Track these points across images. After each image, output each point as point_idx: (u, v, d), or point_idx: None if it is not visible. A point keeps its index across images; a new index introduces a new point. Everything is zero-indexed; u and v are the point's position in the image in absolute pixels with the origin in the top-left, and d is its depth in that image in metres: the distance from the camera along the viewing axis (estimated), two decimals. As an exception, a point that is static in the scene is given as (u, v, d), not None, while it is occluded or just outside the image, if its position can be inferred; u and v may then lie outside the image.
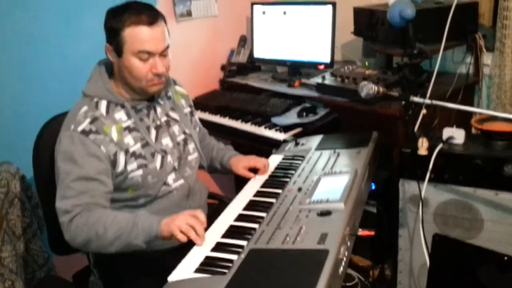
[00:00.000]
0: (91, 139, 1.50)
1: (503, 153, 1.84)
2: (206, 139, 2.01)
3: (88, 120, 1.52)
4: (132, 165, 1.56)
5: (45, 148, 1.73)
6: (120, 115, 1.59)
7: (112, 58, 1.55)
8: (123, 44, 1.49)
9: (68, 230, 1.46)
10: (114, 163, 1.54)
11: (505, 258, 1.50)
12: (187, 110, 1.83)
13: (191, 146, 1.75)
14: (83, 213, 1.45)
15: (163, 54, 1.55)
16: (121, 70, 1.56)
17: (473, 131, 2.09)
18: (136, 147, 1.58)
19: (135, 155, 1.57)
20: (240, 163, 1.86)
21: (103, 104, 1.57)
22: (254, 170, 1.84)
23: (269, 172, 1.83)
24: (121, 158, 1.54)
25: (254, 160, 1.86)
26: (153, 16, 1.51)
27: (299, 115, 2.32)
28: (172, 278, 1.24)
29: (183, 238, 1.36)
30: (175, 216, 1.40)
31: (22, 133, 2.02)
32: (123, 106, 1.59)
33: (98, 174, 1.49)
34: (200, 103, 2.67)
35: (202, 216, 1.40)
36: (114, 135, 1.54)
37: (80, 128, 1.50)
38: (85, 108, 1.55)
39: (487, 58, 2.40)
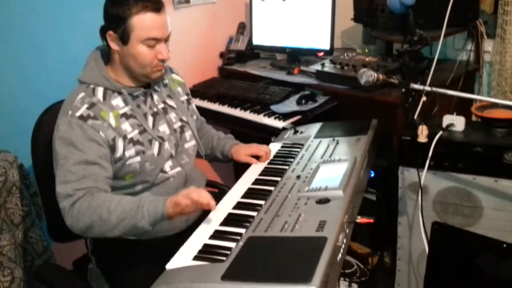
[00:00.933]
0: (90, 124, 1.49)
1: (503, 141, 1.84)
2: (205, 128, 2.01)
3: (85, 106, 1.51)
4: (130, 151, 1.56)
5: (43, 136, 1.72)
6: (117, 101, 1.58)
7: (115, 46, 1.54)
8: (130, 31, 1.49)
9: (69, 215, 1.44)
10: (113, 148, 1.53)
11: (504, 245, 1.50)
12: (183, 98, 1.82)
13: (188, 134, 1.75)
14: (86, 197, 1.44)
15: (167, 40, 1.56)
16: (124, 57, 1.55)
17: (473, 118, 2.09)
18: (133, 134, 1.57)
19: (133, 141, 1.56)
20: (242, 150, 1.86)
21: (100, 91, 1.57)
22: (256, 158, 1.85)
23: (268, 160, 1.82)
24: (120, 143, 1.54)
25: (255, 148, 1.86)
26: (158, 3, 1.52)
27: (298, 102, 2.30)
28: (170, 265, 1.24)
29: (186, 202, 1.36)
30: (180, 193, 1.41)
31: (20, 122, 2.01)
32: (120, 93, 1.59)
33: (98, 158, 1.49)
34: (199, 91, 2.66)
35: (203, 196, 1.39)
36: (112, 121, 1.54)
37: (78, 114, 1.50)
38: (82, 94, 1.54)
39: (488, 45, 2.39)
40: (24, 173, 1.91)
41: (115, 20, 1.50)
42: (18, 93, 2.08)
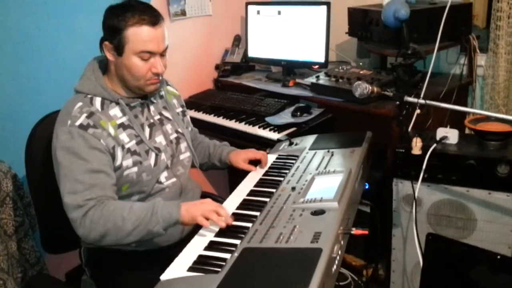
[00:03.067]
0: (90, 133, 1.49)
1: (497, 153, 1.85)
2: (198, 137, 2.02)
3: (84, 115, 1.51)
4: (128, 161, 1.56)
5: (37, 146, 1.72)
6: (115, 111, 1.58)
7: (110, 56, 1.55)
8: (124, 43, 1.50)
9: (82, 225, 1.44)
10: (113, 157, 1.53)
11: (498, 257, 1.50)
12: (179, 109, 1.83)
13: (183, 145, 1.75)
14: (97, 206, 1.45)
15: (162, 54, 1.56)
16: (119, 68, 1.55)
17: (467, 131, 2.10)
18: (131, 144, 1.58)
19: (130, 152, 1.57)
20: (240, 156, 1.88)
21: (98, 101, 1.57)
22: (254, 163, 1.87)
23: (263, 171, 1.83)
24: (119, 153, 1.54)
25: (253, 152, 1.89)
26: (156, 17, 1.52)
27: (293, 114, 2.32)
28: (165, 276, 1.24)
29: (205, 223, 1.41)
30: (196, 202, 1.48)
31: (14, 132, 2.01)
32: (117, 103, 1.59)
33: (103, 166, 1.49)
34: (194, 103, 2.66)
35: (223, 209, 1.46)
36: (111, 130, 1.54)
37: (77, 123, 1.50)
38: (79, 104, 1.54)
39: (480, 59, 2.41)
40: (18, 184, 1.90)
41: (111, 31, 1.50)
42: (13, 103, 2.08)
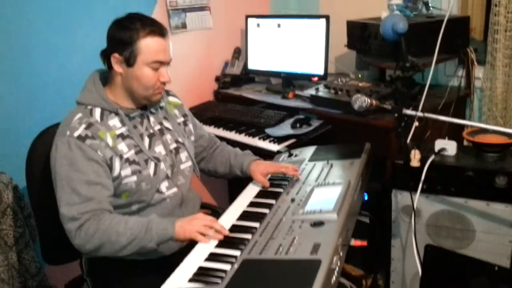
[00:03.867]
0: (88, 144, 1.51)
1: (495, 165, 1.86)
2: (216, 144, 2.00)
3: (83, 126, 1.53)
4: (126, 171, 1.57)
5: (38, 158, 1.73)
6: (114, 122, 1.60)
7: (118, 68, 1.57)
8: (137, 54, 1.53)
9: (77, 237, 1.47)
10: (110, 167, 1.55)
11: (496, 268, 1.51)
12: (180, 119, 1.84)
13: (183, 155, 1.76)
14: (92, 220, 1.47)
15: (168, 64, 1.61)
16: (127, 79, 1.58)
17: (465, 143, 2.11)
18: (129, 154, 1.59)
19: (129, 161, 1.58)
20: (259, 170, 1.85)
21: (97, 111, 1.59)
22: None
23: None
24: (117, 163, 1.56)
25: (274, 167, 1.85)
26: (164, 28, 1.58)
27: (293, 126, 2.33)
28: (165, 287, 1.24)
29: (202, 239, 1.43)
30: (190, 218, 1.49)
31: (15, 143, 2.02)
32: (117, 114, 1.61)
33: (99, 177, 1.51)
34: (194, 114, 2.63)
35: (217, 222, 1.48)
36: (109, 140, 1.56)
37: (76, 134, 1.52)
38: (79, 115, 1.56)
39: (478, 72, 2.43)
40: (19, 195, 1.92)
41: (122, 43, 1.53)
42: (14, 114, 2.09)
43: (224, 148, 2.00)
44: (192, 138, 1.88)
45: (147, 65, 1.55)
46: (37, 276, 1.98)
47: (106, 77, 1.65)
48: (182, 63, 2.77)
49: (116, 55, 1.55)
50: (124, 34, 1.53)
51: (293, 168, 1.83)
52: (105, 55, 1.59)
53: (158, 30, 1.55)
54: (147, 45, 1.53)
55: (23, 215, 1.93)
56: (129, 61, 1.54)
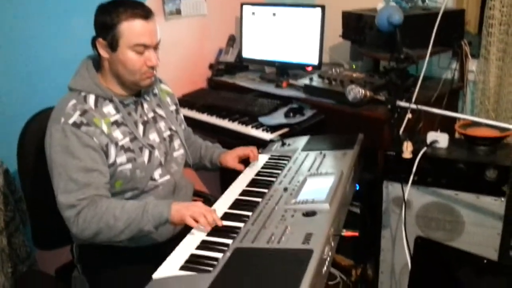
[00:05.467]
0: (84, 131, 1.50)
1: (485, 158, 1.88)
2: (192, 137, 2.03)
3: (78, 112, 1.52)
4: (122, 158, 1.57)
5: (30, 142, 1.72)
6: (109, 109, 1.59)
7: (104, 53, 1.55)
8: (118, 37, 1.51)
9: (75, 224, 1.47)
10: (106, 154, 1.54)
11: (485, 261, 1.52)
12: (172, 107, 1.84)
13: (176, 143, 1.76)
14: (90, 205, 1.47)
15: (156, 47, 1.58)
16: (114, 64, 1.56)
17: (457, 135, 2.13)
18: (124, 141, 1.59)
19: (124, 149, 1.58)
20: (229, 155, 1.90)
21: (92, 98, 1.58)
22: (245, 162, 1.89)
23: (255, 171, 1.84)
24: (112, 150, 1.55)
25: (241, 150, 1.91)
26: (147, 11, 1.55)
27: (286, 115, 2.33)
28: (157, 275, 1.25)
29: (193, 224, 1.43)
30: (188, 204, 1.49)
31: (7, 127, 2.00)
32: (111, 101, 1.60)
33: (96, 164, 1.50)
34: (187, 101, 2.67)
35: (214, 213, 1.47)
36: (104, 127, 1.55)
37: (71, 121, 1.50)
38: (73, 101, 1.54)
39: (472, 65, 2.44)
40: (10, 179, 1.90)
41: (104, 28, 1.52)
42: (5, 98, 2.07)
43: (196, 139, 2.03)
44: (183, 126, 1.88)
45: (130, 48, 1.52)
46: (27, 261, 1.97)
47: (98, 63, 1.64)
48: (176, 49, 2.75)
49: (100, 39, 1.54)
50: (106, 18, 1.51)
51: (256, 151, 1.91)
52: (93, 41, 1.57)
53: (140, 12, 1.51)
54: (129, 27, 1.50)
55: (14, 199, 1.92)
56: (112, 45, 1.52)
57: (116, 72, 1.58)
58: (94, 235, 1.47)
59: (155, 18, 1.57)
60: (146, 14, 1.53)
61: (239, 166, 1.88)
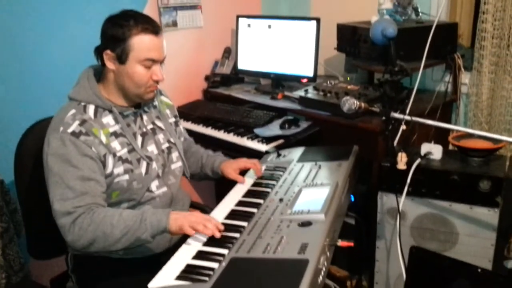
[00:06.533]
0: (82, 140, 1.51)
1: (479, 170, 1.90)
2: (193, 147, 2.02)
3: (77, 122, 1.53)
4: (119, 169, 1.57)
5: (27, 152, 1.71)
6: (108, 119, 1.60)
7: (111, 65, 1.56)
8: (129, 51, 1.53)
9: (71, 232, 1.46)
10: (104, 164, 1.55)
11: (479, 270, 1.54)
12: (172, 120, 1.84)
13: (175, 155, 1.77)
14: (86, 213, 1.46)
15: (162, 62, 1.61)
16: (120, 76, 1.57)
17: (450, 147, 2.15)
18: (122, 152, 1.59)
19: (122, 160, 1.58)
20: (230, 166, 1.89)
21: (91, 109, 1.58)
22: (244, 173, 1.89)
23: (251, 182, 1.84)
24: (110, 160, 1.55)
25: (243, 162, 1.90)
26: (157, 26, 1.57)
27: (282, 127, 2.34)
28: (153, 285, 1.24)
29: (190, 232, 1.42)
30: (186, 213, 1.48)
31: (3, 138, 2.00)
32: (110, 111, 1.60)
33: (93, 173, 1.50)
34: (183, 113, 2.67)
35: (215, 220, 1.47)
36: (103, 138, 1.55)
37: (70, 130, 1.51)
38: (73, 111, 1.55)
39: (465, 77, 2.47)
40: (5, 190, 1.90)
41: (114, 40, 1.53)
42: (3, 108, 2.07)
43: (197, 149, 2.02)
44: (182, 139, 1.89)
45: (139, 62, 1.54)
46: (21, 272, 1.96)
47: (100, 73, 1.65)
48: (172, 61, 2.76)
49: (108, 51, 1.55)
50: (117, 30, 1.52)
51: (259, 166, 1.88)
52: (98, 52, 1.58)
53: (151, 27, 1.54)
54: (140, 42, 1.53)
55: (8, 210, 1.92)
56: (121, 58, 1.54)
57: (121, 84, 1.59)
58: (89, 243, 1.46)
59: (163, 34, 1.60)
60: (156, 29, 1.56)
61: (240, 178, 1.86)
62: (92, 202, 1.48)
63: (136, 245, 1.49)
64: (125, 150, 1.60)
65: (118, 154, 1.58)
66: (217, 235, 1.42)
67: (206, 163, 1.95)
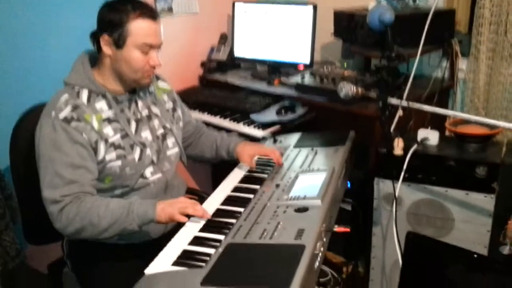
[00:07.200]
0: (73, 126, 1.50)
1: (475, 156, 1.90)
2: (204, 131, 2.00)
3: (69, 107, 1.52)
4: (111, 155, 1.56)
5: (22, 138, 1.71)
6: (101, 105, 1.59)
7: (107, 50, 1.55)
8: (126, 36, 1.52)
9: (58, 220, 1.47)
10: (95, 150, 1.54)
11: (475, 255, 1.54)
12: (169, 105, 1.83)
13: (170, 141, 1.75)
14: (73, 203, 1.47)
15: (159, 48, 1.60)
16: (116, 61, 1.56)
17: (447, 133, 2.15)
18: (115, 138, 1.58)
19: (114, 146, 1.57)
20: (246, 151, 1.85)
21: (85, 93, 1.57)
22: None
23: (247, 168, 1.83)
24: (101, 147, 1.55)
25: (262, 149, 1.88)
26: (155, 12, 1.58)
27: (278, 112, 2.34)
28: (149, 270, 1.25)
29: (182, 219, 1.43)
30: (171, 201, 1.48)
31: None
32: (104, 96, 1.59)
33: (83, 161, 1.50)
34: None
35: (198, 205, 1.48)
36: (95, 124, 1.55)
37: (61, 115, 1.50)
38: (66, 96, 1.55)
39: (462, 63, 2.46)
40: (0, 175, 1.89)
41: (112, 25, 1.52)
42: (-2, 95, 2.06)
43: (210, 133, 2.00)
44: (181, 124, 1.87)
45: (137, 47, 1.53)
46: (17, 258, 1.95)
47: (95, 59, 1.63)
48: (168, 47, 2.71)
49: (105, 36, 1.53)
50: (114, 15, 1.52)
51: (278, 155, 1.83)
52: (95, 37, 1.57)
53: (149, 12, 1.54)
54: (137, 27, 1.52)
55: (4, 196, 1.90)
56: (118, 43, 1.53)
57: (117, 69, 1.58)
58: (76, 232, 1.48)
59: (160, 19, 1.59)
60: (154, 15, 1.55)
61: (253, 165, 1.83)
62: (80, 190, 1.48)
63: (124, 233, 1.50)
64: (118, 136, 1.59)
65: (110, 140, 1.57)
66: (207, 216, 1.45)
67: (221, 145, 1.92)
